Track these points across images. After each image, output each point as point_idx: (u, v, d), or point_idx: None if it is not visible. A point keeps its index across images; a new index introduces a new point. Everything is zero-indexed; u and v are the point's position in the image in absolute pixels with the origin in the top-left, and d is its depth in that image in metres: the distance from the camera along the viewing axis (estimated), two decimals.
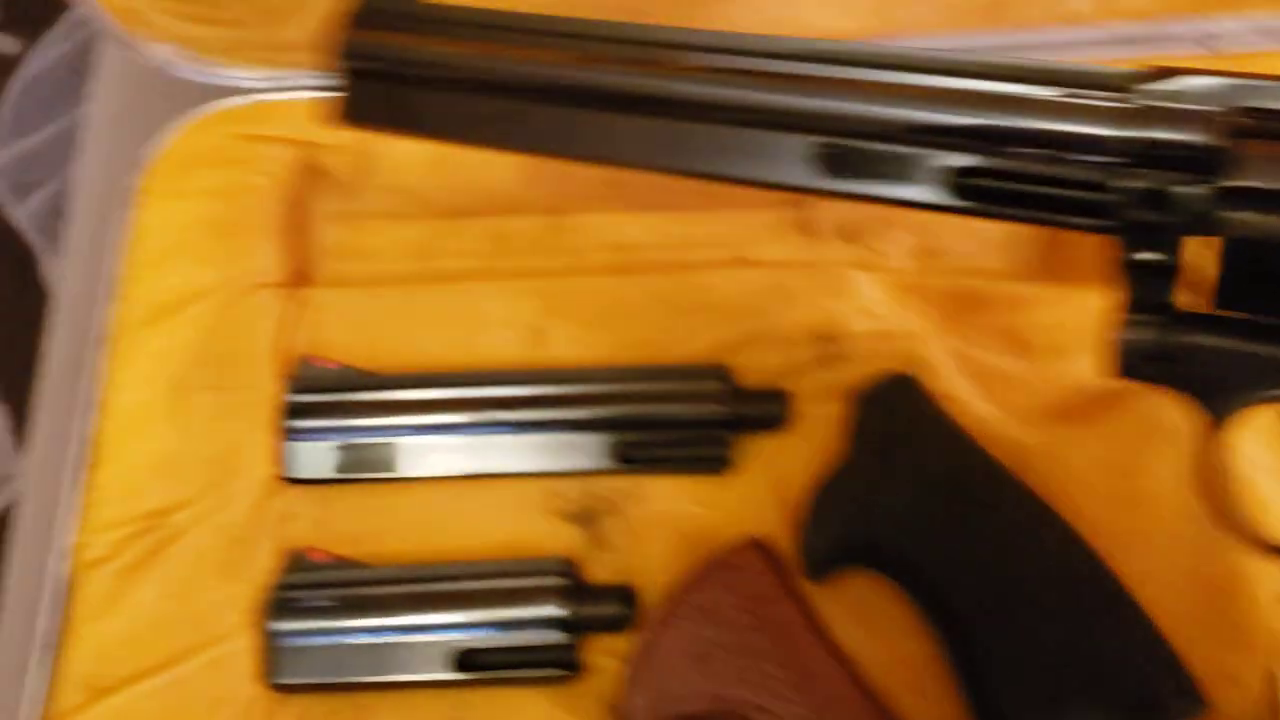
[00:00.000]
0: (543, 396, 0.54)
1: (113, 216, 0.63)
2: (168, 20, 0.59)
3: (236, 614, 0.52)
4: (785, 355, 0.55)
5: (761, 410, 0.53)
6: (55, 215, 1.41)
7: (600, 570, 0.52)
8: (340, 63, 0.46)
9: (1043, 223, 0.40)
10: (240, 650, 0.51)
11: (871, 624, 0.50)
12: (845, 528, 0.49)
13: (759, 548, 0.49)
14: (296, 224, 0.60)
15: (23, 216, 1.39)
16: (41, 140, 1.40)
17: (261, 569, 0.53)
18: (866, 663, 0.49)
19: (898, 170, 0.41)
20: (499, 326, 0.57)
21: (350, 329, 0.57)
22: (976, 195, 0.40)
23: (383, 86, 0.46)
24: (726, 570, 0.48)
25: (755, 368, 0.55)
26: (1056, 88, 0.39)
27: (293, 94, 0.61)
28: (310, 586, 0.52)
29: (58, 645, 0.52)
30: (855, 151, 0.41)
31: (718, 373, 0.54)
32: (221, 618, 0.52)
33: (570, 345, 0.56)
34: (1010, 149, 0.39)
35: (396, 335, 0.57)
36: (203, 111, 0.62)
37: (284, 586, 0.52)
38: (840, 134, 0.41)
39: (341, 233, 0.60)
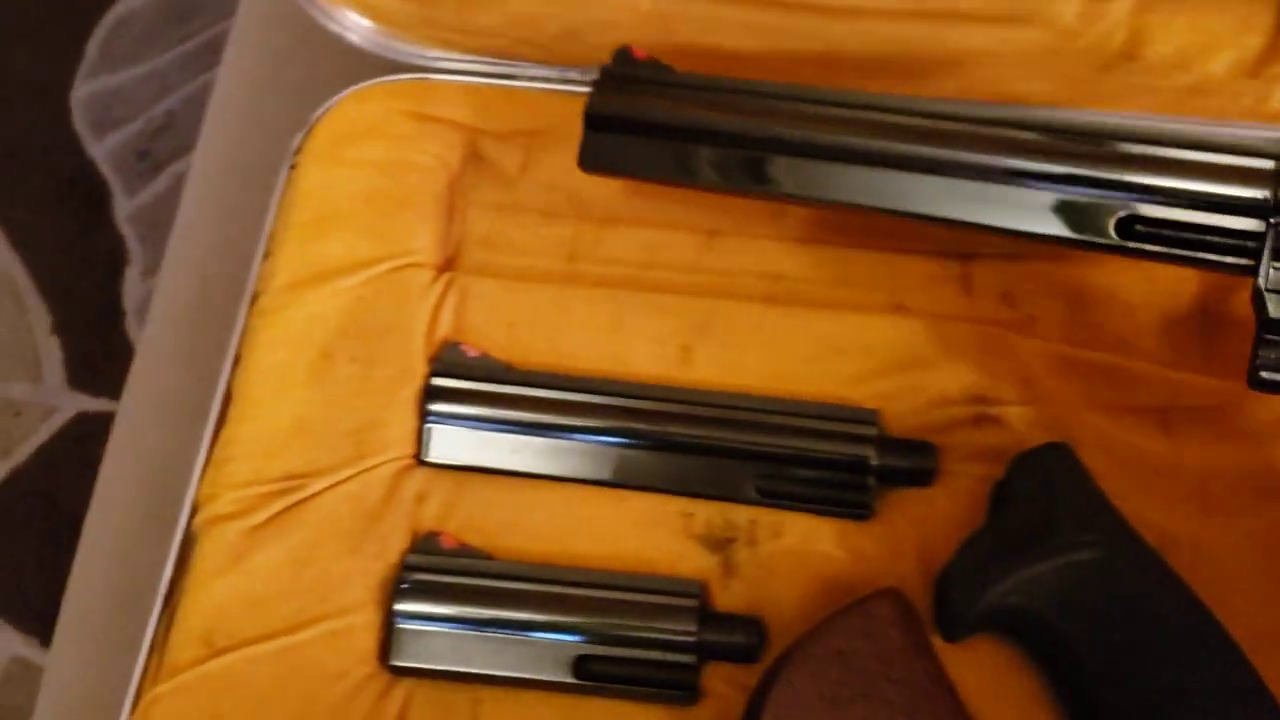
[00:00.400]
0: (687, 415, 0.54)
1: (268, 174, 0.63)
2: None
3: (361, 589, 0.51)
4: (937, 409, 0.54)
5: (909, 461, 0.53)
6: (135, 155, 1.41)
7: (728, 598, 0.52)
8: (585, 119, 0.53)
9: (1192, 264, 0.49)
10: (360, 626, 0.51)
11: (1000, 692, 0.49)
12: (986, 592, 0.49)
13: (898, 599, 0.49)
14: (453, 208, 0.60)
15: (100, 153, 1.40)
16: (128, 79, 1.41)
17: (390, 547, 0.52)
18: None
19: (1080, 217, 0.49)
20: (644, 339, 0.57)
21: (494, 320, 0.57)
22: (1138, 238, 0.49)
23: (617, 138, 0.53)
24: (864, 618, 0.48)
25: (905, 417, 0.54)
26: (1222, 154, 0.48)
27: (465, 78, 0.61)
28: (438, 571, 0.51)
29: (179, 596, 0.52)
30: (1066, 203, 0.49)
31: (868, 417, 0.54)
32: (345, 590, 0.51)
33: (715, 367, 0.56)
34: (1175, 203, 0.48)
35: (539, 332, 0.57)
36: (371, 81, 0.61)
37: (412, 568, 0.51)
38: (1060, 184, 0.49)
39: (494, 222, 0.60)
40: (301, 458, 0.54)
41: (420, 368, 0.56)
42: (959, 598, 0.49)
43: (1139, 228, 0.48)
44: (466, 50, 0.60)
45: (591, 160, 0.53)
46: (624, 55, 0.54)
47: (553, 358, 0.56)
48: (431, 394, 0.55)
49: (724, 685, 0.50)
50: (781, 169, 0.51)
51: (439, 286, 0.57)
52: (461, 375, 0.55)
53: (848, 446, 0.53)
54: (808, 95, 0.51)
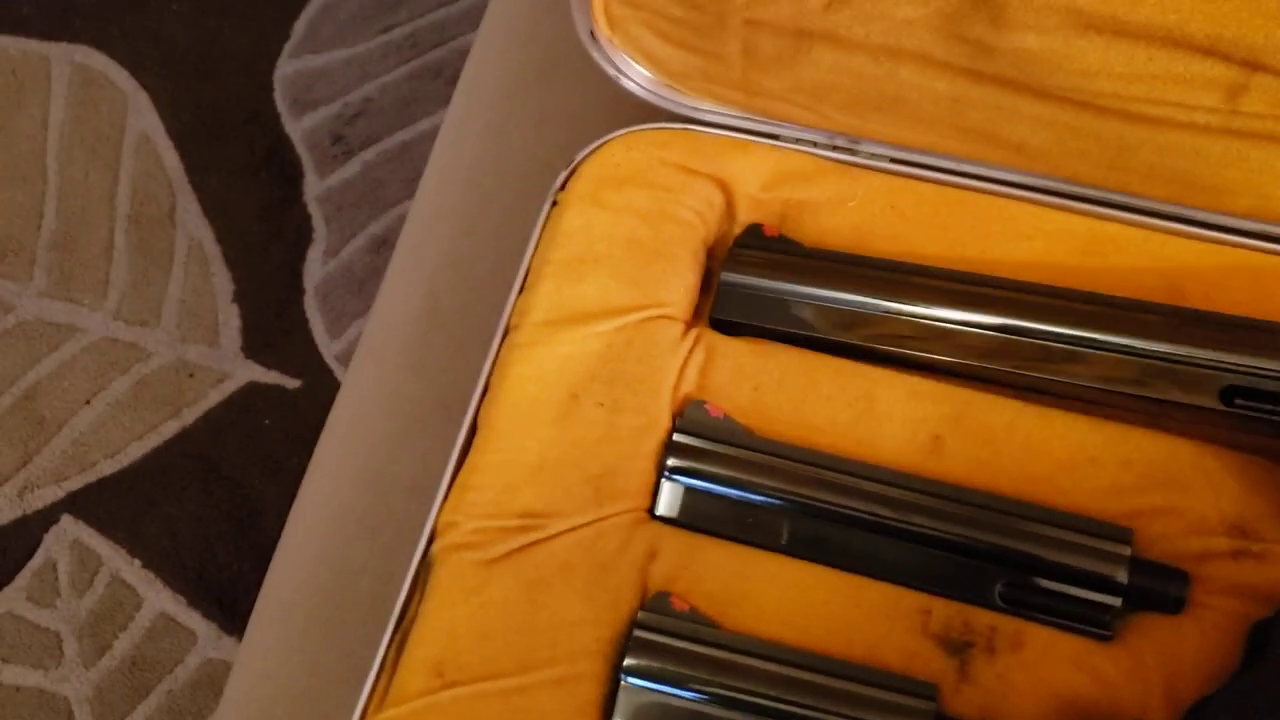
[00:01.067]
0: (935, 508, 0.53)
1: (519, 202, 0.64)
2: (649, 37, 0.59)
3: (591, 639, 0.51)
4: (1194, 537, 0.53)
5: (1160, 587, 0.51)
6: (330, 138, 1.44)
7: (962, 705, 0.50)
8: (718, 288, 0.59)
9: None
10: (588, 676, 0.51)
11: None
12: None
13: None
14: (707, 264, 0.60)
15: (297, 132, 1.43)
16: (330, 61, 1.44)
17: (621, 600, 0.52)
18: None
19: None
20: (894, 423, 0.56)
21: (739, 381, 0.57)
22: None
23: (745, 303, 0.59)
24: None
25: (1157, 541, 0.53)
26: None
27: (735, 134, 0.61)
28: (668, 633, 0.51)
29: (411, 621, 0.52)
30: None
31: (1123, 535, 0.52)
32: (575, 638, 0.51)
33: (965, 462, 0.55)
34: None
35: (784, 400, 0.56)
36: (641, 127, 0.62)
37: (644, 625, 0.51)
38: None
39: None
40: (542, 497, 0.54)
41: (664, 421, 0.56)
42: None
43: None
44: (745, 110, 0.60)
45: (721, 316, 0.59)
46: (755, 230, 0.59)
47: (796, 429, 0.56)
48: (674, 450, 0.55)
49: None
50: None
51: (688, 342, 0.57)
52: (704, 435, 0.55)
53: (1098, 564, 0.51)
54: (926, 272, 0.57)
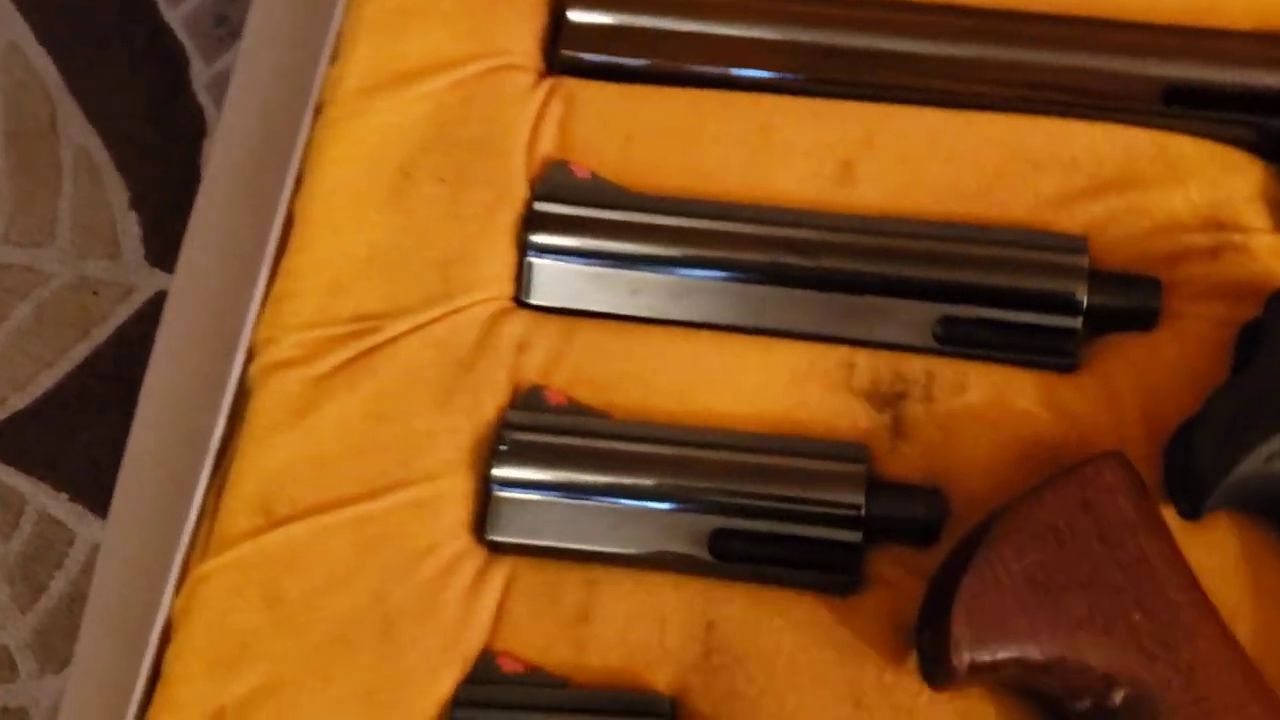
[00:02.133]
0: (849, 246, 0.44)
1: None
2: None
3: (451, 450, 0.43)
4: (1162, 237, 0.43)
5: (1128, 300, 0.42)
6: (213, 20, 1.32)
7: (899, 466, 0.42)
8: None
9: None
10: (450, 493, 0.42)
11: (1250, 579, 0.39)
12: (1239, 460, 0.38)
13: (1124, 466, 0.38)
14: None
15: (176, 19, 1.31)
16: None
17: (485, 403, 0.43)
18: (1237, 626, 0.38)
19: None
20: (796, 153, 0.46)
21: (608, 133, 0.47)
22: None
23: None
24: (1083, 488, 0.38)
25: (1121, 247, 0.44)
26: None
27: None
28: (544, 430, 0.42)
29: (231, 457, 0.43)
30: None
31: (1075, 244, 0.43)
32: (433, 452, 0.42)
33: (883, 188, 0.45)
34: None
35: (664, 148, 0.47)
36: None
37: (513, 426, 0.42)
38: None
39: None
40: (377, 294, 0.45)
41: (520, 191, 0.46)
42: (1204, 465, 0.38)
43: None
44: None
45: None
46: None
47: (681, 179, 0.46)
48: (534, 222, 0.45)
49: (894, 571, 0.41)
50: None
51: (540, 93, 0.47)
52: (570, 200, 0.46)
53: (1051, 281, 0.43)
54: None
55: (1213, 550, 0.39)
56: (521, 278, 0.45)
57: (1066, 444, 0.41)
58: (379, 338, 0.44)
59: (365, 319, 0.44)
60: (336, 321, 0.44)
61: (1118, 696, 0.36)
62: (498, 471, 0.41)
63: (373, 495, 0.42)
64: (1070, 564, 0.37)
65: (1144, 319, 0.42)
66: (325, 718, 0.39)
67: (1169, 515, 0.39)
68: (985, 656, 0.36)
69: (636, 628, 0.40)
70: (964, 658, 0.36)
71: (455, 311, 0.44)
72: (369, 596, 0.41)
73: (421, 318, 0.44)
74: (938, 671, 0.37)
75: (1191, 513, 0.39)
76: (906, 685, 0.39)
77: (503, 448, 0.42)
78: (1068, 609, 0.37)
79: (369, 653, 0.40)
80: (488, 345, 0.44)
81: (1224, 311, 0.42)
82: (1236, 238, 0.43)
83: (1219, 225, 0.43)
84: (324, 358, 0.44)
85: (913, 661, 0.39)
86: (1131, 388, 0.41)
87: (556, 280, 0.45)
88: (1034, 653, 0.36)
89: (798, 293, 0.44)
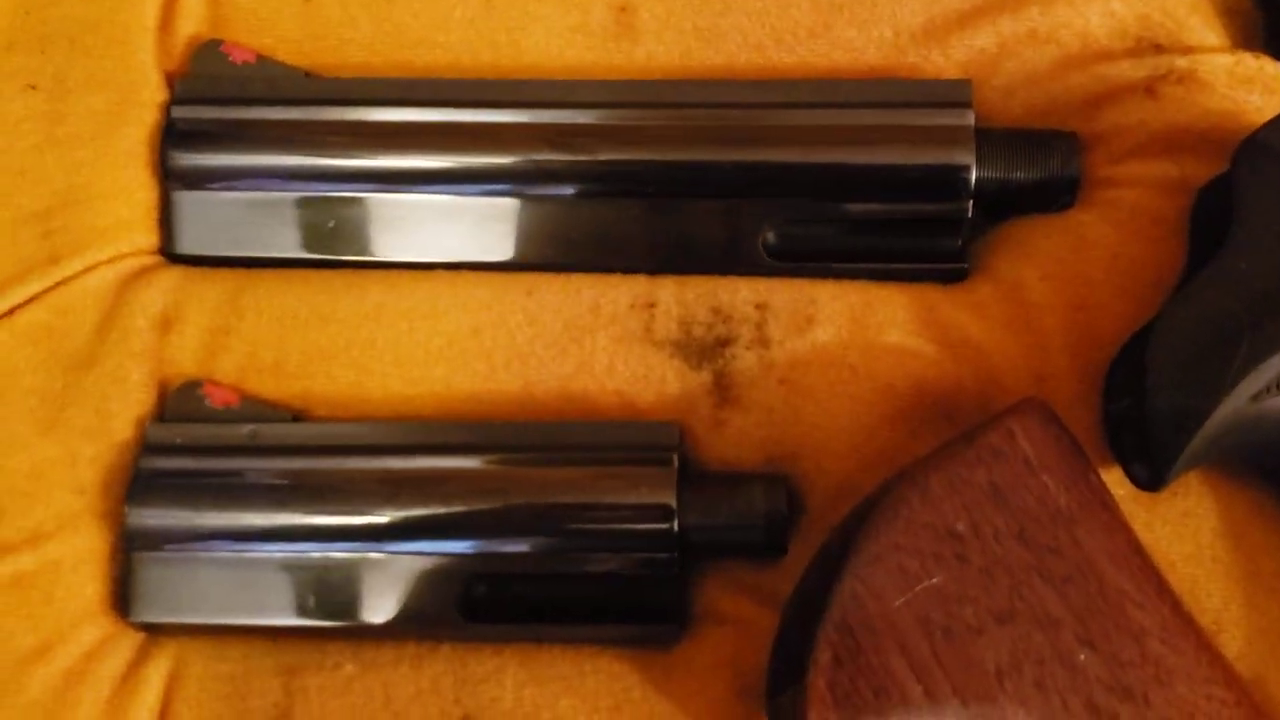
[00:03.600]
0: (632, 130, 0.30)
1: None
2: None
3: (69, 493, 0.29)
4: (1074, 73, 0.30)
5: (1034, 169, 0.29)
6: None
7: (725, 446, 0.29)
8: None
9: None
10: (72, 560, 0.29)
11: (1241, 563, 0.27)
12: (1217, 398, 0.25)
13: (1048, 422, 0.26)
14: None
15: None
16: None
17: (117, 416, 0.29)
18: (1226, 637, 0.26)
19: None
20: (549, 4, 0.32)
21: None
22: None
23: None
24: (990, 463, 0.25)
25: (1014, 92, 0.30)
26: None
27: None
28: (204, 453, 0.28)
29: None
30: None
31: (954, 93, 0.30)
32: (40, 500, 0.29)
33: (671, 38, 0.32)
34: None
35: (357, 13, 0.32)
36: None
37: (158, 450, 0.28)
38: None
39: None
40: None
41: (152, 92, 0.32)
42: (1164, 410, 0.26)
43: None
44: None
45: None
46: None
47: (386, 51, 0.32)
48: (176, 136, 0.31)
49: (733, 602, 0.28)
50: None
51: None
52: (227, 99, 0.31)
53: (924, 150, 0.29)
54: None
55: (1184, 529, 0.27)
56: (163, 219, 0.31)
57: (961, 389, 0.28)
58: None
59: None
60: None
61: None
62: (138, 519, 0.28)
63: None
64: (979, 588, 0.24)
65: (1058, 193, 0.29)
66: None
67: (1115, 483, 0.26)
68: None
69: None
70: None
71: (63, 283, 0.30)
72: None
73: (11, 299, 0.30)
74: None
75: (1151, 479, 0.26)
76: None
77: (144, 483, 0.28)
78: (979, 659, 0.24)
79: None
80: (115, 327, 0.30)
81: (1171, 172, 0.29)
82: (1181, 63, 0.29)
83: (1155, 48, 0.30)
84: None
85: None
86: (1048, 295, 0.29)
87: (214, 217, 0.31)
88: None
89: (564, 205, 0.30)
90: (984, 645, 0.24)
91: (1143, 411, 0.26)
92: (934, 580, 0.25)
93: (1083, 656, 0.24)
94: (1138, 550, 0.26)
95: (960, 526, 0.25)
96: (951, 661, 0.24)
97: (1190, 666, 0.25)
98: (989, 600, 0.25)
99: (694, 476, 0.28)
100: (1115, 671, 0.24)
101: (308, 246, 0.31)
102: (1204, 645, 0.25)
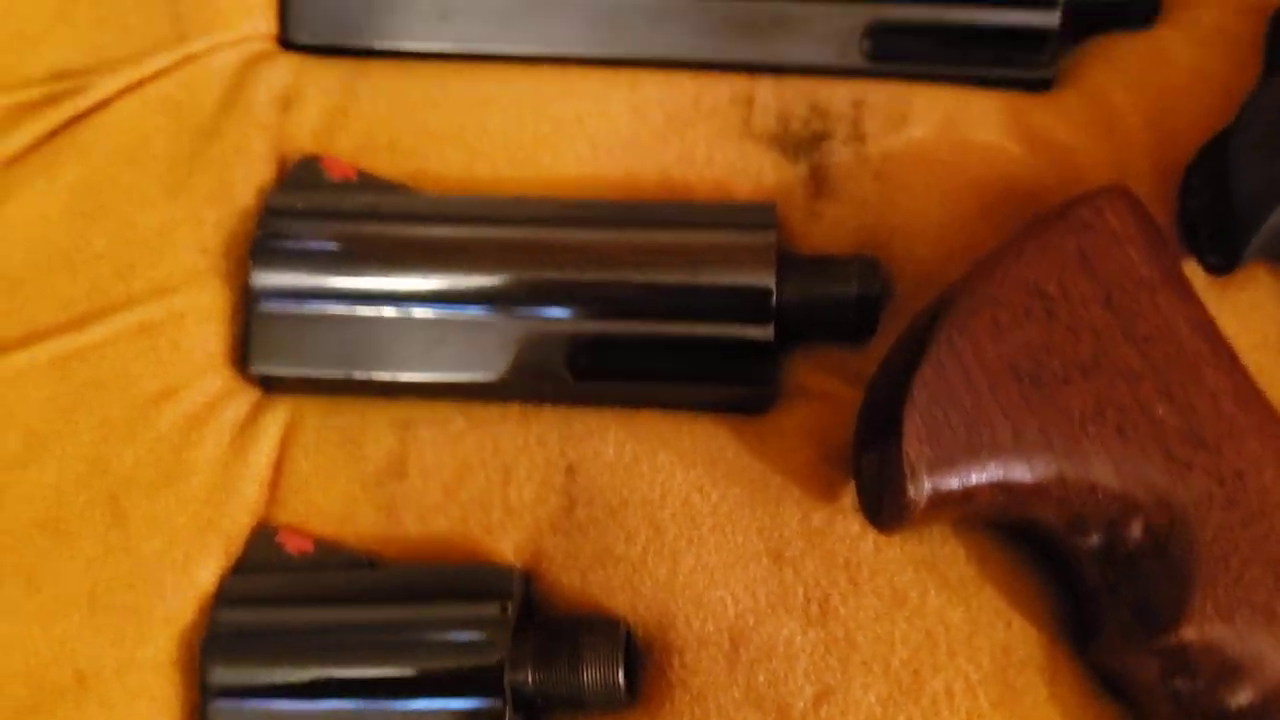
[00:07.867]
0: None
1: None
2: None
3: (193, 252, 0.30)
4: None
5: None
6: None
7: (821, 233, 0.30)
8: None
9: None
10: (194, 314, 0.30)
11: None
12: None
13: (1134, 205, 0.27)
14: None
15: None
16: None
17: (240, 183, 0.31)
18: None
19: None
20: None
21: None
22: None
23: None
24: (1079, 234, 0.27)
25: None
26: None
27: None
28: (323, 216, 0.30)
29: None
30: None
31: None
32: (166, 257, 0.30)
33: None
34: None
35: None
36: None
37: (280, 213, 0.30)
38: None
39: None
40: (83, 42, 0.32)
41: None
42: (1242, 196, 0.27)
43: None
44: None
45: None
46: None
47: None
48: None
49: (820, 378, 0.30)
50: None
51: None
52: None
53: None
54: None
55: (1251, 320, 0.29)
56: (283, 5, 0.32)
57: (1046, 187, 0.30)
58: (84, 101, 0.31)
59: (64, 76, 0.31)
60: (27, 81, 0.32)
61: (1137, 528, 0.26)
62: (261, 277, 0.29)
63: (81, 323, 0.30)
64: (1066, 343, 0.26)
65: (1142, 9, 0.31)
66: (33, 635, 0.28)
67: (1189, 272, 0.28)
68: (952, 482, 0.26)
69: (469, 480, 0.29)
70: (922, 485, 0.25)
71: (190, 59, 0.32)
72: (85, 465, 0.29)
73: (143, 70, 0.32)
74: (886, 507, 0.26)
75: (1224, 263, 0.28)
76: (842, 528, 0.28)
77: (267, 243, 0.29)
78: (1065, 406, 0.26)
79: (90, 540, 0.28)
80: (239, 103, 0.31)
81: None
82: None
83: None
84: (9, 134, 0.31)
85: (849, 496, 0.28)
86: (1130, 104, 0.30)
87: (332, 6, 0.32)
88: (1020, 471, 0.26)
89: (670, 5, 0.32)
90: (1070, 393, 0.26)
91: (1218, 198, 0.27)
92: (1024, 335, 0.26)
93: (1161, 409, 0.26)
94: (1212, 321, 0.27)
95: (1050, 288, 0.27)
96: (1039, 405, 0.26)
97: (1261, 425, 0.26)
98: (1075, 354, 0.26)
99: (789, 258, 0.29)
100: (1191, 422, 0.26)
101: (422, 34, 0.32)
102: (1273, 412, 0.27)
